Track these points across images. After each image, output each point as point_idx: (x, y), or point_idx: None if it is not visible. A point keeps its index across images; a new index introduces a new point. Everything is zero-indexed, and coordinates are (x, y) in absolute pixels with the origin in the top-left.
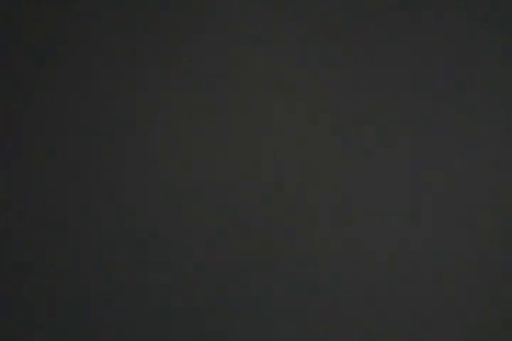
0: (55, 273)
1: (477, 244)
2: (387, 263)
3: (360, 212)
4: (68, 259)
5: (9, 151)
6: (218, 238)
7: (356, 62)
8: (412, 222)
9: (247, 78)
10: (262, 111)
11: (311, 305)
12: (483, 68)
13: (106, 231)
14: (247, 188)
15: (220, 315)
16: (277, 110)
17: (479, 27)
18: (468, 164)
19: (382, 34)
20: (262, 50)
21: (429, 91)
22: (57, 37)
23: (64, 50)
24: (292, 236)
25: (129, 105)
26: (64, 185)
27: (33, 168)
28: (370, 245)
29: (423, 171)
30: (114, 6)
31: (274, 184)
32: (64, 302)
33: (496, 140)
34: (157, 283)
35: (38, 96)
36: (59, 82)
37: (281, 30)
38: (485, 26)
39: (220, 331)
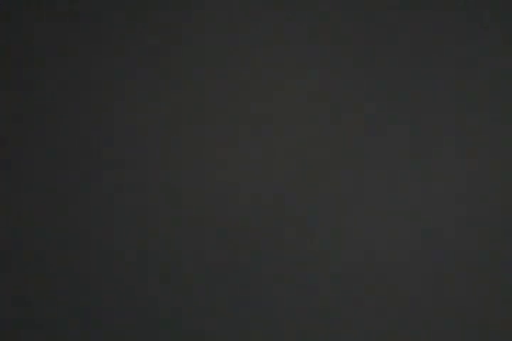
0: (55, 273)
1: (477, 244)
2: (387, 263)
3: (360, 211)
4: (68, 259)
5: (9, 151)
6: (218, 238)
7: (356, 62)
8: (412, 221)
9: (247, 78)
10: (262, 111)
11: (311, 305)
12: (483, 68)
13: (106, 231)
14: (247, 188)
15: (219, 315)
16: (277, 110)
17: (479, 27)
18: (468, 164)
19: (382, 34)
20: (262, 50)
21: (429, 91)
22: (57, 37)
23: (64, 49)
24: (292, 236)
25: (129, 105)
26: (64, 185)
27: (33, 168)
28: (370, 245)
29: (423, 171)
30: (114, 6)
31: (274, 184)
32: (64, 302)
33: (496, 140)
34: (157, 283)
35: (37, 96)
36: (59, 82)
37: (281, 30)
38: (485, 26)
39: (220, 331)
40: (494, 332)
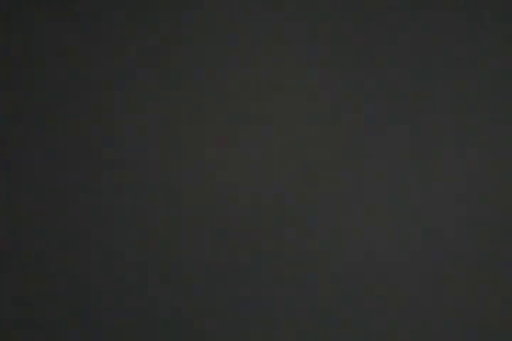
0: (55, 273)
1: (477, 244)
2: (387, 263)
3: (360, 211)
4: (68, 259)
5: (9, 151)
6: (218, 238)
7: (356, 62)
8: (412, 221)
9: (247, 78)
10: (262, 111)
11: (311, 305)
12: (483, 68)
13: (106, 231)
14: (247, 188)
15: (219, 315)
16: (277, 110)
17: (479, 27)
18: (468, 164)
19: (382, 34)
20: (262, 50)
21: (429, 91)
22: (57, 37)
23: (64, 49)
24: (292, 236)
25: (129, 105)
26: (64, 185)
27: (33, 168)
28: (370, 245)
29: (423, 171)
30: (114, 6)
31: (274, 184)
32: (64, 302)
33: (496, 140)
34: (157, 283)
35: (37, 96)
36: (59, 82)
37: (281, 30)
38: (485, 26)
39: (220, 331)
40: (494, 332)
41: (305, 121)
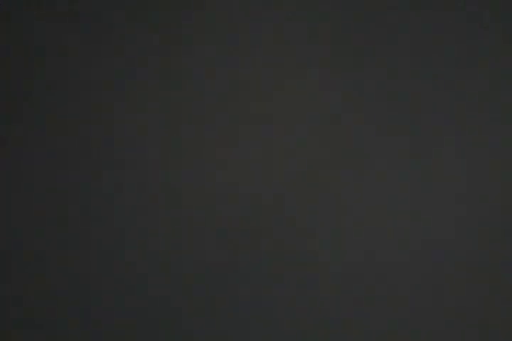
0: (55, 273)
1: (477, 244)
2: (387, 263)
3: (360, 211)
4: (68, 259)
5: (9, 151)
6: (218, 238)
7: (356, 62)
8: (412, 221)
9: (247, 78)
10: (262, 111)
11: (311, 305)
12: (483, 68)
13: (106, 231)
14: (247, 188)
15: (219, 315)
16: (277, 110)
17: (479, 27)
18: (468, 164)
19: (382, 34)
20: (262, 50)
21: (429, 91)
22: (57, 37)
23: (64, 49)
24: (292, 236)
25: (129, 105)
26: (64, 185)
27: (33, 168)
28: (370, 245)
29: (423, 171)
30: (114, 6)
31: (274, 184)
32: (64, 302)
33: (496, 140)
34: (157, 283)
35: (37, 96)
36: (59, 82)
37: (281, 30)
38: (485, 26)
39: (220, 331)
40: (494, 332)
41: (305, 121)
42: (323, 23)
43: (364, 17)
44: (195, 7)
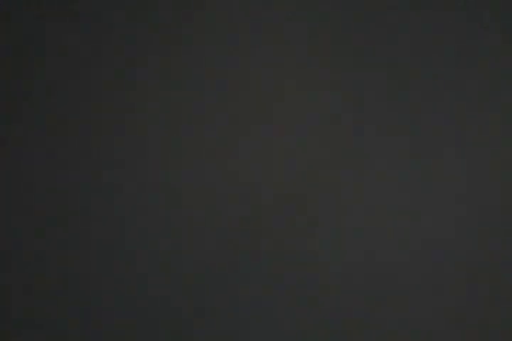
0: (55, 273)
1: (477, 244)
2: (387, 263)
3: (360, 211)
4: (68, 259)
5: (9, 151)
6: (218, 238)
7: (356, 62)
8: (412, 221)
9: (247, 78)
10: (262, 111)
11: (311, 305)
12: (483, 68)
13: (106, 231)
14: (247, 188)
15: (219, 315)
16: (277, 110)
17: (479, 27)
18: (468, 164)
19: (382, 34)
20: (262, 50)
21: (429, 91)
22: (57, 37)
23: (64, 49)
24: (292, 236)
25: (128, 105)
26: (64, 185)
27: (33, 168)
28: (370, 245)
29: (423, 171)
30: (114, 6)
31: (274, 184)
32: (64, 302)
33: (496, 140)
34: (157, 283)
35: (37, 96)
36: (59, 82)
37: (281, 30)
38: (485, 26)
39: (220, 331)
40: (494, 332)
41: (305, 121)
42: (323, 23)
43: (364, 17)
44: (195, 7)
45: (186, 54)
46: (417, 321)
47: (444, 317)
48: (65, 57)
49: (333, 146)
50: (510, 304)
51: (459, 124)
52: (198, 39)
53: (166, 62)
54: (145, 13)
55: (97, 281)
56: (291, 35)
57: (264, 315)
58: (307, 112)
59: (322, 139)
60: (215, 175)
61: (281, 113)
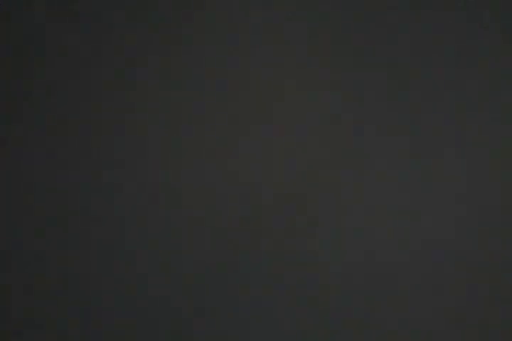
0: (55, 273)
1: (477, 244)
2: (387, 263)
3: (360, 211)
4: (68, 259)
5: (9, 151)
6: (218, 238)
7: (356, 62)
8: (412, 221)
9: (247, 78)
10: (262, 111)
11: (311, 305)
12: (483, 68)
13: (106, 231)
14: (247, 188)
15: (219, 315)
16: (277, 110)
17: (479, 27)
18: (468, 164)
19: (382, 34)
20: (262, 50)
21: (429, 91)
22: (57, 37)
23: (64, 49)
24: (292, 236)
25: (128, 105)
26: (64, 185)
27: (33, 168)
28: (370, 245)
29: (423, 171)
30: (114, 6)
31: (274, 184)
32: (64, 302)
33: (496, 140)
34: (157, 283)
35: (37, 96)
36: (58, 82)
37: (281, 30)
38: (485, 26)
39: (220, 331)
40: (494, 332)
41: (305, 121)
42: (323, 23)
43: (364, 17)
44: (195, 7)
45: (186, 54)
46: (417, 321)
47: (444, 317)
48: (65, 57)
49: (333, 146)
50: (510, 304)
51: (459, 124)
52: (198, 39)
53: (166, 62)
54: (145, 13)
55: (97, 281)
56: (291, 35)
57: (264, 315)
58: (307, 112)
59: (322, 139)
60: (215, 175)
61: (281, 113)
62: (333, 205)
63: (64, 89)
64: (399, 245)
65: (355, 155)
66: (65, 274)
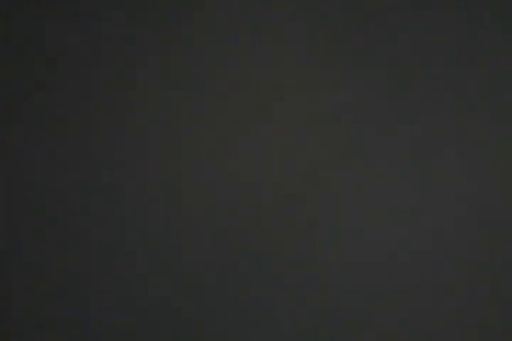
0: (55, 273)
1: (477, 244)
2: (387, 263)
3: (360, 211)
4: (68, 259)
5: (9, 151)
6: (218, 238)
7: (356, 62)
8: (412, 221)
9: (247, 78)
10: (262, 111)
11: (311, 305)
12: (483, 68)
13: (106, 231)
14: (247, 188)
15: (219, 315)
16: (277, 110)
17: (479, 27)
18: (468, 164)
19: (382, 34)
20: (262, 50)
21: (429, 91)
22: (57, 37)
23: (64, 49)
24: (292, 236)
25: (128, 105)
26: (64, 185)
27: (33, 168)
28: (370, 245)
29: (423, 171)
30: (114, 6)
31: (274, 184)
32: (64, 302)
33: (496, 140)
34: (157, 283)
35: (38, 96)
36: (58, 82)
37: (281, 30)
38: (485, 26)
39: (220, 331)
40: (494, 332)
41: (305, 121)
42: (323, 23)
43: (364, 17)
44: (195, 7)
45: (186, 54)
46: (417, 321)
47: (444, 317)
48: (65, 57)
49: (333, 146)
50: (510, 304)
51: (459, 124)
52: (198, 39)
53: (166, 62)
54: (145, 13)
55: (97, 281)
56: (291, 35)
57: (264, 315)
58: (307, 112)
59: (322, 139)
60: (215, 175)
61: (281, 113)
62: (333, 205)
63: (64, 89)
64: (399, 245)
65: (355, 155)
66: (65, 274)
